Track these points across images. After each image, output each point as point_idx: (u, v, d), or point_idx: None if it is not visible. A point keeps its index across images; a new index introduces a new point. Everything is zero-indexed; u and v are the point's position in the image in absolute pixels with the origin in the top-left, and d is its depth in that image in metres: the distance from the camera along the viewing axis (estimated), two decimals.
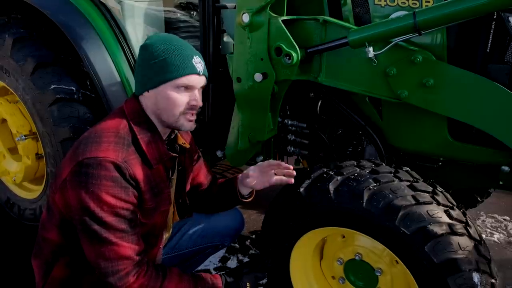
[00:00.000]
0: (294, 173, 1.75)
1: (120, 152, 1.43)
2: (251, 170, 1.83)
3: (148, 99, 1.56)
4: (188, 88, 1.54)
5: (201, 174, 1.99)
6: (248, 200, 1.93)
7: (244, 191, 1.89)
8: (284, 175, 1.77)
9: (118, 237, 1.41)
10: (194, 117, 1.60)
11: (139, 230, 1.49)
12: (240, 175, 1.90)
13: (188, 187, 1.92)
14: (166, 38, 1.56)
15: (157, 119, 1.57)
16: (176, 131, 1.70)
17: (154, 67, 1.52)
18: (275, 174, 1.79)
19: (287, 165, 1.77)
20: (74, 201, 1.41)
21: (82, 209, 1.39)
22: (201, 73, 1.56)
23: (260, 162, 1.85)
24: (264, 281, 1.82)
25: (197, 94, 1.57)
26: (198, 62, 1.55)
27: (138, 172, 1.47)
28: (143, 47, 1.56)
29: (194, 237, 2.01)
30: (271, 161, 1.80)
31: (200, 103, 1.59)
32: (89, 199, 1.38)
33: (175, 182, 1.79)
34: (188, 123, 1.59)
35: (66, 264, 1.57)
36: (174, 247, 1.97)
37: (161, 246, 1.76)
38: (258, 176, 1.82)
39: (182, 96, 1.53)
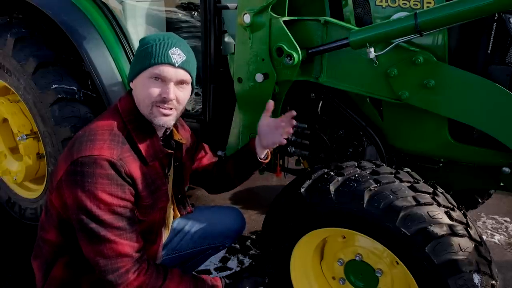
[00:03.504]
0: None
1: (115, 149, 1.43)
2: (262, 131, 1.82)
3: (133, 92, 1.57)
4: (162, 79, 1.49)
5: (205, 160, 2.00)
6: (266, 161, 1.92)
7: (262, 153, 1.89)
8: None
9: (116, 235, 1.41)
10: (170, 112, 1.53)
11: (137, 228, 1.49)
12: (256, 138, 1.90)
13: (187, 182, 1.92)
14: (159, 33, 1.58)
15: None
16: (172, 127, 1.69)
17: (136, 58, 1.55)
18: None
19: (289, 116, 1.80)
20: (70, 200, 1.41)
21: (78, 208, 1.39)
22: (177, 65, 1.48)
23: (270, 120, 1.83)
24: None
25: (170, 87, 1.49)
26: (176, 54, 1.49)
27: (134, 169, 1.47)
28: (139, 40, 1.60)
29: (195, 238, 2.01)
30: (282, 118, 1.81)
31: (172, 97, 1.49)
32: (85, 198, 1.38)
33: (172, 178, 1.80)
34: (162, 117, 1.52)
35: (66, 264, 1.57)
36: (175, 248, 1.97)
37: (161, 244, 1.76)
38: (267, 134, 1.82)
39: (154, 87, 1.49)
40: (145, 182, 1.52)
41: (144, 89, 1.50)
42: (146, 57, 1.49)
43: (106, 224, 1.40)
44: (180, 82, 1.53)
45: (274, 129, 1.80)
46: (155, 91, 1.49)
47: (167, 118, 1.53)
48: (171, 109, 1.52)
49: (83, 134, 1.48)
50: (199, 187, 2.16)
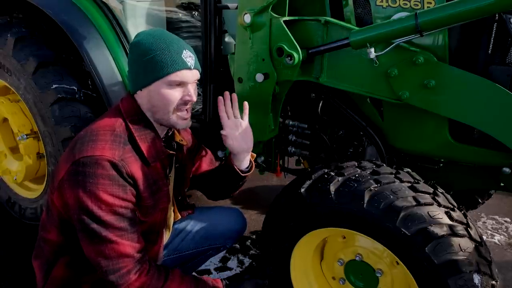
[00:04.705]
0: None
1: (116, 150, 1.43)
2: (228, 137, 1.75)
3: (142, 98, 1.55)
4: (180, 84, 1.52)
5: (204, 164, 1.99)
6: (249, 174, 1.83)
7: (243, 165, 1.81)
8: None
9: (117, 235, 1.41)
10: (188, 115, 1.58)
11: (138, 228, 1.49)
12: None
13: (188, 184, 1.92)
14: (154, 34, 1.53)
15: (153, 117, 1.57)
16: (173, 129, 1.69)
17: (144, 65, 1.50)
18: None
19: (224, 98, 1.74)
20: (72, 200, 1.41)
21: (80, 209, 1.39)
22: (192, 67, 1.52)
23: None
24: None
25: (191, 89, 1.54)
26: (189, 56, 1.52)
27: (135, 170, 1.47)
28: (133, 45, 1.55)
29: (196, 239, 2.01)
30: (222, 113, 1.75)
31: (194, 98, 1.55)
32: (87, 198, 1.38)
33: (173, 179, 1.79)
34: (182, 121, 1.57)
35: (67, 264, 1.57)
36: (176, 248, 1.97)
37: (162, 244, 1.76)
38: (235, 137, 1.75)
39: (175, 92, 1.51)
40: (147, 182, 1.52)
41: (164, 97, 1.50)
42: (159, 66, 1.47)
43: (108, 225, 1.40)
44: (195, 82, 1.58)
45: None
46: (176, 96, 1.52)
47: (187, 121, 1.60)
48: (189, 110, 1.58)
49: (84, 134, 1.48)
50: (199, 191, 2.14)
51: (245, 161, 1.81)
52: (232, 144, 1.74)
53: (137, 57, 1.52)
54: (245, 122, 1.76)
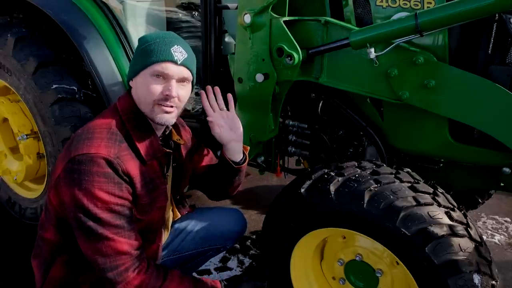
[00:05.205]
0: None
1: (112, 148, 1.44)
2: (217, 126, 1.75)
3: (133, 90, 1.57)
4: (164, 77, 1.50)
5: (204, 163, 1.98)
6: (243, 165, 1.83)
7: (236, 157, 1.80)
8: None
9: (114, 233, 1.41)
10: (172, 110, 1.54)
11: (135, 226, 1.49)
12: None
13: (187, 183, 1.91)
14: (157, 31, 1.58)
15: (142, 110, 1.56)
16: (171, 127, 1.69)
17: (136, 56, 1.55)
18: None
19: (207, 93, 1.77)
20: (68, 198, 1.41)
21: (76, 206, 1.39)
22: (179, 62, 1.50)
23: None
24: None
25: (173, 85, 1.50)
26: (178, 51, 1.51)
27: (131, 167, 1.47)
28: (138, 40, 1.60)
29: (196, 240, 2.00)
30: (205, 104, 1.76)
31: (175, 95, 1.50)
32: (82, 196, 1.38)
33: (171, 178, 1.79)
34: (164, 115, 1.52)
35: (64, 263, 1.57)
36: (175, 249, 1.96)
37: (160, 243, 1.75)
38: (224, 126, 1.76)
39: (156, 85, 1.50)
40: (143, 180, 1.52)
41: (146, 87, 1.50)
42: (147, 55, 1.50)
43: (104, 222, 1.40)
44: (182, 80, 1.55)
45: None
46: (157, 88, 1.50)
47: (169, 116, 1.54)
48: (172, 107, 1.53)
49: (81, 133, 1.49)
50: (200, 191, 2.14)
51: (237, 152, 1.81)
52: (220, 132, 1.75)
53: (136, 48, 1.58)
54: (231, 112, 1.78)
